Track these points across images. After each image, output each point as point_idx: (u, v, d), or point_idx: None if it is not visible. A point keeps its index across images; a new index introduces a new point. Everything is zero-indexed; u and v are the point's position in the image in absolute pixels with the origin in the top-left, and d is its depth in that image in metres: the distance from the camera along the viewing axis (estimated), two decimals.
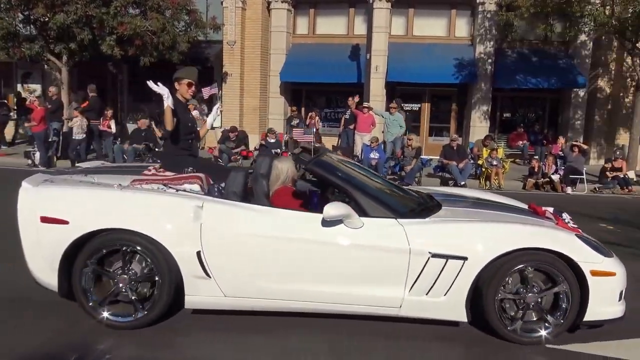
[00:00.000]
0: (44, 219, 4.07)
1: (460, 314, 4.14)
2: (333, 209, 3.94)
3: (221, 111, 5.00)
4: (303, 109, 18.46)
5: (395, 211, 4.26)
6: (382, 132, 15.23)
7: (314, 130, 14.82)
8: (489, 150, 14.06)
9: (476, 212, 4.74)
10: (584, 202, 11.62)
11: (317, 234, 4.05)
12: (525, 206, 5.35)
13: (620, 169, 13.66)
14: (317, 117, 16.19)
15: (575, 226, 4.70)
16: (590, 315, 4.07)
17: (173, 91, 4.95)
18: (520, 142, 17.55)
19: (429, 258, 4.01)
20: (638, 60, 15.36)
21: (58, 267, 4.07)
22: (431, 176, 14.17)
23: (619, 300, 4.15)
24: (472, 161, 14.29)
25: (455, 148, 13.96)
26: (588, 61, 17.53)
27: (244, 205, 4.17)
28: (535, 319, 4.17)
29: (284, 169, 4.73)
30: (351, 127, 15.14)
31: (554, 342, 4.07)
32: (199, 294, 4.12)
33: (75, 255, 4.08)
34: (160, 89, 4.73)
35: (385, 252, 4.04)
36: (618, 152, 15.34)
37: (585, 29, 15.97)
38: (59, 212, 4.07)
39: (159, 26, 14.85)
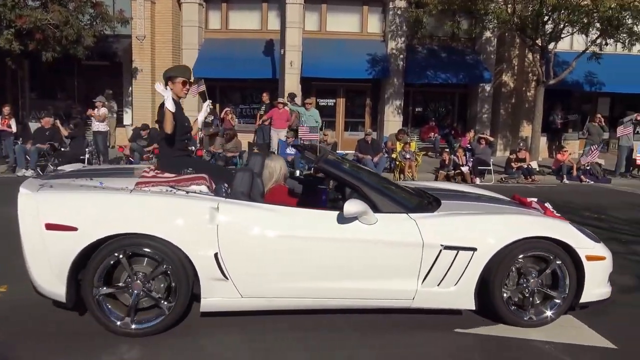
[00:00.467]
0: (50, 226, 3.86)
1: (468, 303, 4.33)
2: (352, 206, 3.99)
3: (211, 108, 4.86)
4: (218, 105, 18.20)
5: (405, 206, 4.39)
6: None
7: (231, 126, 14.75)
8: (402, 144, 14.49)
9: (475, 205, 4.96)
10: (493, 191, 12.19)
11: (333, 231, 4.11)
12: (506, 198, 5.64)
13: (524, 160, 14.48)
14: (232, 114, 16.03)
15: (559, 215, 5.01)
16: (586, 297, 4.40)
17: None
18: (432, 135, 18.21)
19: (440, 250, 4.17)
20: (538, 57, 16.28)
21: (67, 276, 3.89)
22: None
23: (608, 282, 4.51)
24: (386, 155, 14.69)
25: (369, 142, 14.30)
26: (493, 57, 18.42)
27: (259, 205, 4.18)
28: (538, 301, 4.43)
29: (276, 167, 4.78)
30: (267, 123, 15.13)
31: (464, 327, 4.29)
32: (215, 296, 4.07)
33: (84, 263, 3.93)
34: (164, 91, 4.69)
35: (400, 247, 4.16)
36: (522, 144, 16.27)
37: (489, 26, 16.76)
38: (66, 218, 3.88)
39: (62, 19, 14.16)
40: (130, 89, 17.25)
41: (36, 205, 3.89)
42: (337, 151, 14.11)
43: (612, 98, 19.74)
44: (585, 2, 14.53)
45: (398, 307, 4.33)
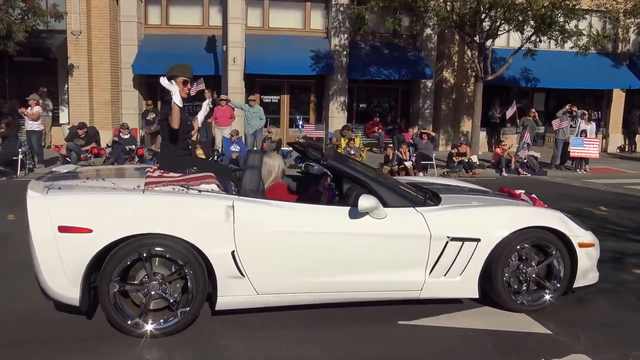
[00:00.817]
0: (63, 229, 3.78)
1: (472, 292, 4.53)
2: (366, 201, 4.10)
3: (211, 107, 4.78)
4: (159, 103, 17.88)
5: (412, 200, 4.54)
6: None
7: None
8: (347, 140, 14.66)
9: (472, 198, 5.18)
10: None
11: (345, 226, 4.22)
12: (493, 191, 5.88)
13: (465, 154, 14.90)
14: None
15: (547, 205, 5.27)
16: (578, 281, 4.70)
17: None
18: (376, 131, 18.48)
19: (447, 242, 4.36)
20: (476, 53, 16.77)
21: (82, 279, 3.83)
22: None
23: (595, 267, 4.82)
24: None
25: (315, 139, 14.37)
26: (434, 54, 18.85)
27: (272, 202, 4.23)
28: (535, 288, 4.67)
29: (275, 165, 4.81)
30: (210, 120, 14.98)
31: (407, 319, 4.41)
32: (231, 294, 4.10)
33: (96, 266, 3.88)
34: (171, 86, 4.68)
35: (409, 239, 4.33)
36: (463, 138, 16.72)
37: (429, 23, 17.13)
38: (80, 220, 3.81)
39: None
40: (66, 86, 16.72)
41: (47, 208, 3.81)
42: (282, 148, 14.13)
43: (547, 93, 20.54)
44: (520, 1, 15.09)
45: (407, 298, 4.50)
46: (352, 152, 14.18)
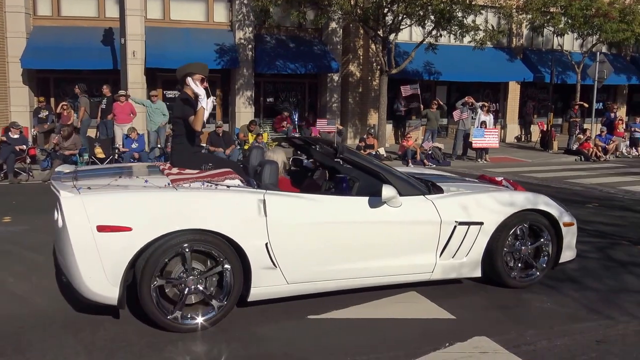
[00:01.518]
0: (102, 228, 3.82)
1: (476, 271, 5.02)
2: (389, 191, 4.46)
3: (214, 104, 4.80)
4: (53, 100, 17.01)
5: (420, 189, 4.93)
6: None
7: (69, 122, 13.89)
8: (254, 135, 14.63)
9: (466, 186, 5.59)
10: None
11: (366, 215, 4.57)
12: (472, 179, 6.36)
13: (372, 146, 15.32)
14: (69, 108, 15.08)
15: (526, 190, 5.82)
16: (563, 257, 5.29)
17: (182, 87, 5.07)
18: (285, 125, 18.54)
19: (455, 226, 4.82)
20: (380, 47, 17.24)
21: (122, 277, 3.87)
22: None
23: (574, 245, 5.43)
24: (238, 147, 14.73)
25: (221, 135, 14.24)
26: (339, 47, 19.20)
27: (299, 195, 4.51)
28: (522, 267, 5.18)
29: (279, 160, 4.98)
30: (109, 117, 14.46)
31: (316, 313, 4.50)
32: (263, 284, 4.28)
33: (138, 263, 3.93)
34: (198, 88, 4.84)
35: (422, 225, 4.74)
36: (371, 131, 17.14)
37: (334, 17, 17.43)
38: (119, 219, 3.86)
39: None
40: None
41: (84, 208, 3.84)
42: None
43: (449, 86, 21.49)
44: None
45: (419, 280, 4.87)
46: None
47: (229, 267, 4.13)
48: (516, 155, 18.01)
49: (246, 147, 14.64)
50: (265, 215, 4.20)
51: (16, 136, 12.81)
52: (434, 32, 17.17)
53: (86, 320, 4.28)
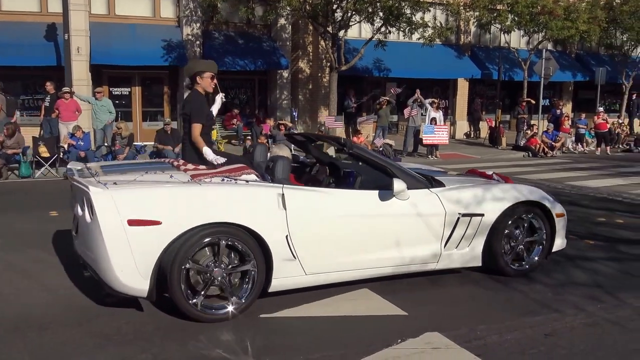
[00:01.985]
0: (133, 222, 3.98)
1: (477, 261, 5.33)
2: (400, 184, 4.74)
3: (224, 101, 4.98)
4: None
5: (424, 183, 5.17)
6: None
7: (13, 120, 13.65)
8: None
9: (462, 180, 5.88)
10: None
11: (378, 208, 4.83)
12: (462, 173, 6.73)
13: None
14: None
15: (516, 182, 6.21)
16: (555, 246, 5.66)
17: (192, 85, 5.36)
18: (235, 123, 18.61)
19: (458, 217, 5.10)
20: (330, 43, 17.50)
21: (152, 270, 4.04)
22: None
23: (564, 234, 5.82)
24: None
25: (169, 132, 14.23)
26: (289, 44, 19.38)
27: (315, 189, 4.79)
28: (519, 256, 5.52)
29: (286, 155, 5.20)
30: (53, 115, 14.27)
31: (268, 312, 4.53)
32: (283, 275, 4.48)
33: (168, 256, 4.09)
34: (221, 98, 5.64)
35: (428, 217, 5.00)
36: (323, 128, 17.41)
37: (283, 13, 17.59)
38: (148, 213, 4.02)
39: None
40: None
41: (114, 203, 3.99)
42: (135, 143, 13.85)
43: (399, 83, 21.93)
44: None
45: (425, 270, 5.16)
46: None
47: (254, 258, 4.34)
48: (466, 151, 18.49)
49: None
50: (285, 209, 4.43)
51: None
52: (382, 29, 17.51)
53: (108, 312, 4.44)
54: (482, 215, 5.23)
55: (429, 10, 18.20)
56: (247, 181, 4.59)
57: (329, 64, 18.55)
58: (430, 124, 16.78)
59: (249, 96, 20.45)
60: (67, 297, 4.82)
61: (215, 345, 3.93)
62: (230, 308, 4.29)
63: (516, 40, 23.05)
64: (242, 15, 17.72)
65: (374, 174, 5.17)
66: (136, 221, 4.00)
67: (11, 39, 16.10)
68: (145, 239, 4.03)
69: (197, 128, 5.26)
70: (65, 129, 14.07)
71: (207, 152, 5.18)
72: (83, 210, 4.23)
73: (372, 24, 17.79)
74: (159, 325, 4.26)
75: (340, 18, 17.10)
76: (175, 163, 5.26)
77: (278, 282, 4.52)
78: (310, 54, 20.21)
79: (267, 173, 4.90)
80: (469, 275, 5.57)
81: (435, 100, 17.96)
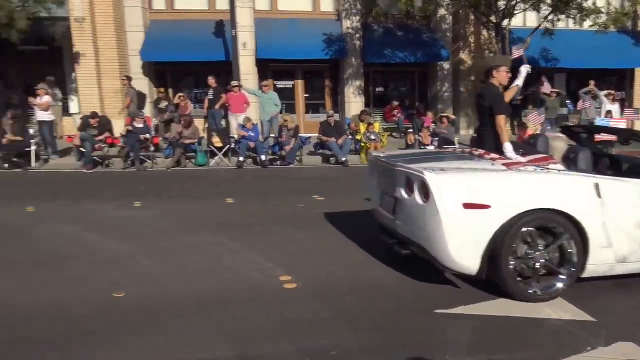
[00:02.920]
0: (468, 206, 4.44)
1: None
2: None
3: (529, 72, 5.82)
4: (171, 91, 18.04)
5: None
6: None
7: (187, 112, 14.79)
8: (366, 125, 14.87)
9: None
10: None
11: None
12: None
13: None
14: (187, 99, 15.99)
15: None
16: None
17: (488, 79, 5.79)
18: (396, 115, 18.60)
19: None
20: (494, 34, 16.92)
21: (483, 251, 4.46)
22: (312, 154, 14.63)
23: None
24: (350, 137, 14.99)
25: (333, 124, 14.57)
26: (449, 35, 19.08)
27: (626, 180, 4.92)
28: None
29: (560, 146, 5.53)
30: (217, 107, 15.17)
31: (447, 307, 4.49)
32: (597, 262, 4.72)
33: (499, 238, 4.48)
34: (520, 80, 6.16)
35: None
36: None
37: (443, 4, 17.32)
38: (480, 198, 4.47)
39: None
40: (74, 75, 16.86)
41: (452, 187, 4.50)
42: (300, 135, 14.31)
43: (569, 73, 20.68)
44: None
45: None
46: (373, 138, 14.39)
47: (573, 243, 4.58)
48: None
49: (358, 137, 14.87)
50: (600, 197, 4.65)
51: (140, 126, 13.77)
52: (550, 17, 16.64)
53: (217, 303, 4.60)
54: None
55: None
56: (559, 171, 4.84)
57: (492, 55, 17.92)
58: (606, 117, 15.67)
59: (409, 89, 20.43)
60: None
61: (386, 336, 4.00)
62: (560, 285, 4.61)
63: None
64: (401, 7, 17.69)
65: None
66: (470, 204, 4.44)
67: (185, 36, 17.36)
68: (478, 222, 4.45)
69: (501, 119, 5.54)
70: (235, 120, 14.93)
71: (508, 148, 5.36)
72: (410, 193, 4.74)
73: (539, 12, 16.94)
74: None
75: (504, 7, 16.49)
76: (476, 152, 5.50)
77: (592, 268, 4.73)
78: (472, 45, 19.71)
79: (569, 164, 5.11)
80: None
81: (612, 92, 16.75)
